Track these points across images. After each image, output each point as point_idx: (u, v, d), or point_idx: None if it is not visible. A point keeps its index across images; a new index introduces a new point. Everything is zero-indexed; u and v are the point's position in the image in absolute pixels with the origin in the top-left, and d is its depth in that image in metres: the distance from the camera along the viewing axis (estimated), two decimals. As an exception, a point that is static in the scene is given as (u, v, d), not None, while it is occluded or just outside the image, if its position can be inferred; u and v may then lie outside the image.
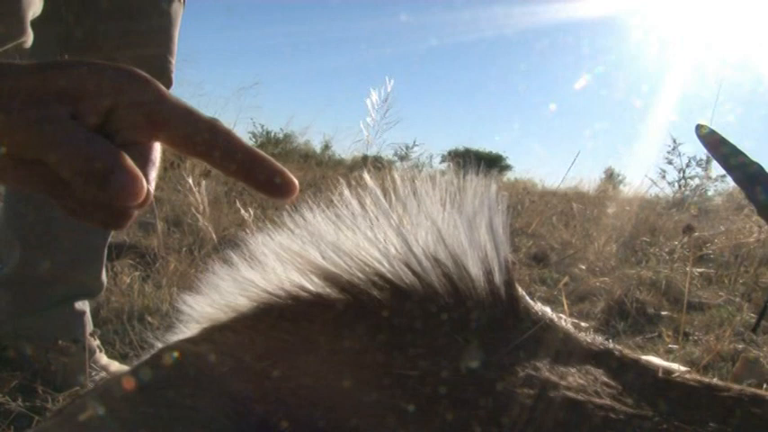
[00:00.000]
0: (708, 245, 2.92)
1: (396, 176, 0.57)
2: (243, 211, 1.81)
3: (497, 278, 0.51)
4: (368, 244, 0.55)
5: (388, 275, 0.52)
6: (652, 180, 5.87)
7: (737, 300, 2.13)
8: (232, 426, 0.45)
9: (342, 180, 0.58)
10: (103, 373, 1.13)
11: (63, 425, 0.49)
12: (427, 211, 0.55)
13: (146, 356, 0.55)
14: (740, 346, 1.58)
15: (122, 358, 1.30)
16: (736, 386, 0.38)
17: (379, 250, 0.54)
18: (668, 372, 0.39)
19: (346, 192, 0.57)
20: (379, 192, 0.56)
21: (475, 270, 0.51)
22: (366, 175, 0.57)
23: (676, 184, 6.91)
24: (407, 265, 0.53)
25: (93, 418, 0.46)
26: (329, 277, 0.54)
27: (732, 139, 0.83)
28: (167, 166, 3.72)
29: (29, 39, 0.82)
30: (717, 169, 6.61)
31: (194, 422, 0.46)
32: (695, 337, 1.74)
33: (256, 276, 0.58)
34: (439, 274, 0.51)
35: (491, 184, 0.57)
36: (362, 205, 0.56)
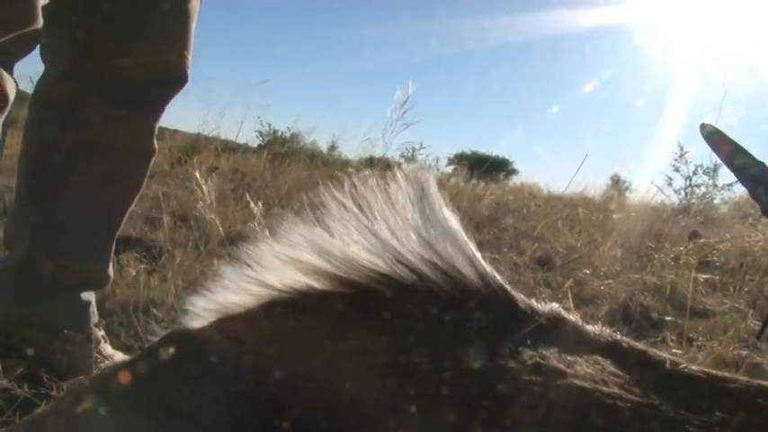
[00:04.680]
0: (713, 252, 2.91)
1: (367, 182, 0.59)
2: (252, 204, 1.81)
3: (490, 278, 0.52)
4: (360, 249, 0.57)
5: (389, 274, 0.54)
6: (658, 187, 5.83)
7: (742, 307, 2.12)
8: (237, 410, 0.45)
9: (331, 183, 0.60)
10: (108, 362, 1.14)
11: (60, 415, 0.50)
12: (405, 216, 0.57)
13: (153, 343, 0.56)
14: (744, 353, 1.58)
15: (127, 350, 1.31)
16: (742, 378, 0.38)
17: (372, 253, 0.55)
18: (675, 363, 0.39)
19: (331, 201, 0.59)
20: (351, 202, 0.59)
21: (466, 270, 0.52)
22: (336, 192, 0.60)
23: (682, 192, 6.86)
24: (404, 265, 0.54)
25: (91, 409, 0.47)
26: (334, 277, 0.55)
27: (737, 140, 0.83)
28: (174, 162, 3.73)
29: (39, 25, 0.83)
30: (723, 178, 6.57)
31: (200, 408, 0.47)
32: (699, 343, 1.73)
33: (264, 276, 0.59)
34: (436, 273, 0.52)
35: (438, 190, 0.59)
36: (350, 213, 0.59)
